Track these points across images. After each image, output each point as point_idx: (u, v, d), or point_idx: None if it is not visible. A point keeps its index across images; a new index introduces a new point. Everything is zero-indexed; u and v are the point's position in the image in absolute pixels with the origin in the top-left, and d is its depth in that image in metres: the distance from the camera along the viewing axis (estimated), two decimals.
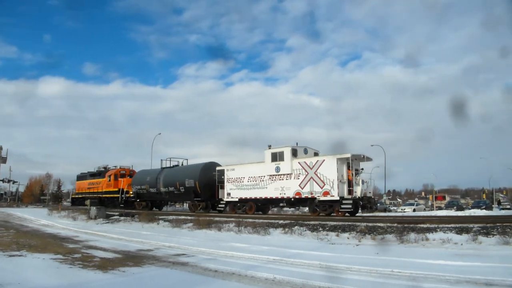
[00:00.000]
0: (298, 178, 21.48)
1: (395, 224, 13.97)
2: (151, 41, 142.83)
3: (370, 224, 14.40)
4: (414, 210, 43.36)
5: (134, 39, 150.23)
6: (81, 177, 44.23)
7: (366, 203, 20.25)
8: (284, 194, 22.08)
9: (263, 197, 23.24)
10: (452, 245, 11.09)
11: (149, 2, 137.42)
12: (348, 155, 19.99)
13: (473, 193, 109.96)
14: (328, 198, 20.20)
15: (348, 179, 20.14)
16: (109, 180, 36.96)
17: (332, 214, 20.38)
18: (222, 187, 25.85)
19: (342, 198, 19.87)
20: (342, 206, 19.77)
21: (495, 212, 35.74)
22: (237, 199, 24.76)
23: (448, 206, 49.50)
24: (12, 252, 10.88)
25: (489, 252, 9.85)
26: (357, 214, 20.49)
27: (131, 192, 34.09)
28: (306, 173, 21.12)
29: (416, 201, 65.08)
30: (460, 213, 31.12)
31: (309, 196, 20.96)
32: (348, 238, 13.29)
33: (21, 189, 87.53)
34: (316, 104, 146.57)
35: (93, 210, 26.19)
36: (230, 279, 7.51)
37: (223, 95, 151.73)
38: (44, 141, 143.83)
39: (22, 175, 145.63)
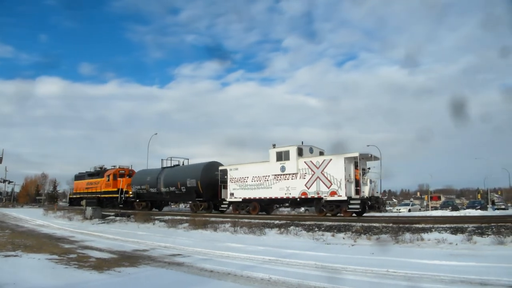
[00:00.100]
0: (304, 178, 21.13)
1: (391, 224, 14.02)
2: (147, 41, 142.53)
3: (365, 224, 14.44)
4: (409, 210, 43.48)
5: (131, 39, 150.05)
6: (79, 177, 43.59)
7: (374, 203, 20.00)
8: (290, 194, 21.73)
9: (268, 197, 22.89)
10: (447, 245, 11.14)
11: (146, 2, 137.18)
12: (356, 154, 19.75)
13: (468, 194, 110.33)
14: (335, 198, 19.85)
15: (356, 179, 19.84)
16: (108, 180, 36.46)
17: (339, 214, 20.06)
18: (225, 187, 25.49)
19: (349, 198, 19.53)
20: (350, 206, 19.42)
21: (490, 212, 35.90)
22: (240, 199, 24.40)
23: (443, 206, 49.61)
24: (8, 252, 10.83)
25: (484, 252, 9.90)
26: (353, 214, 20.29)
27: (130, 192, 33.67)
28: (313, 173, 20.79)
29: (411, 201, 65.27)
30: (455, 213, 31.26)
31: (316, 196, 20.60)
32: (343, 238, 13.33)
33: (17, 189, 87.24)
34: (312, 104, 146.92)
35: (89, 210, 26.15)
36: (225, 279, 7.52)
37: (219, 95, 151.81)
38: (40, 141, 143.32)
39: (18, 175, 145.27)
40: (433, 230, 12.46)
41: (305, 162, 21.28)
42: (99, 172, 39.27)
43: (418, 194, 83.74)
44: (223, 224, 17.37)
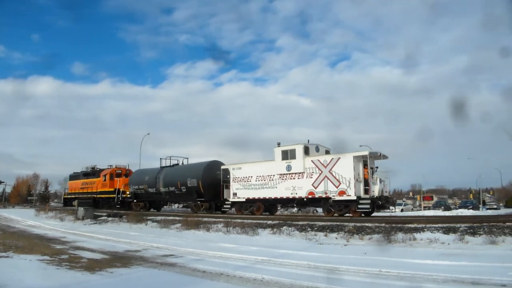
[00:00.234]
0: (311, 177, 20.61)
1: (383, 224, 14.06)
2: (140, 41, 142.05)
3: (358, 224, 14.47)
4: (402, 210, 43.75)
5: (124, 38, 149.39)
6: (74, 176, 42.64)
7: (384, 202, 19.81)
8: (296, 194, 21.18)
9: (273, 197, 22.36)
10: (439, 244, 11.19)
11: (140, 2, 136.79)
12: (366, 153, 19.63)
13: (460, 194, 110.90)
14: (344, 198, 19.38)
15: (364, 178, 19.45)
16: (104, 180, 35.70)
17: (347, 214, 19.69)
18: (227, 187, 24.85)
19: (358, 197, 19.09)
20: (360, 206, 19.00)
21: (482, 212, 36.18)
22: (244, 199, 23.77)
23: (436, 206, 49.98)
24: None
25: (476, 252, 9.96)
26: (346, 214, 19.92)
27: (128, 192, 32.99)
28: (320, 172, 20.28)
29: (404, 201, 65.53)
30: (447, 213, 31.48)
31: (323, 195, 20.09)
32: (336, 238, 13.35)
33: (8, 189, 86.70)
34: (305, 104, 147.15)
35: (81, 210, 25.98)
36: (218, 279, 7.50)
37: (212, 95, 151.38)
38: (31, 141, 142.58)
39: (9, 175, 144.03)
40: (426, 230, 12.51)
41: (312, 161, 20.80)
42: (95, 172, 38.43)
43: (411, 194, 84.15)
44: (215, 225, 17.33)
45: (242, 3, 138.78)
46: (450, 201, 78.24)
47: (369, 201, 18.94)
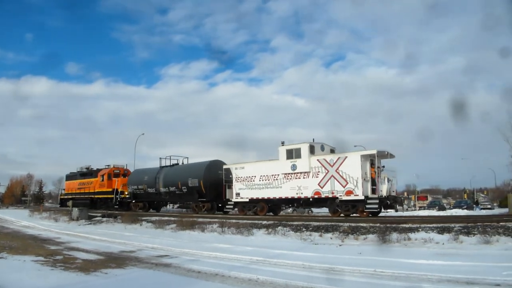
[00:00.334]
0: (317, 177, 20.01)
1: (378, 224, 14.08)
2: (134, 41, 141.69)
3: (353, 224, 14.50)
4: (396, 210, 43.76)
5: (118, 38, 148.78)
6: (70, 176, 41.81)
7: (393, 202, 19.57)
8: (302, 193, 20.54)
9: (278, 197, 21.71)
10: (434, 244, 11.23)
11: (135, 2, 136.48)
12: (374, 152, 19.05)
13: (454, 193, 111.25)
14: (351, 197, 18.84)
15: (371, 177, 19.04)
16: (102, 180, 34.98)
17: (354, 214, 19.27)
18: (230, 187, 24.08)
19: (366, 197, 18.62)
20: (367, 206, 18.58)
21: (476, 212, 36.32)
22: (247, 200, 23.05)
23: (430, 206, 50.12)
24: None
25: (470, 251, 10.00)
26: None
27: (126, 193, 32.33)
28: (326, 171, 19.71)
29: None
30: (442, 213, 31.54)
31: (330, 195, 19.53)
32: (331, 238, 13.37)
33: (2, 190, 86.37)
34: (300, 104, 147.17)
35: (75, 211, 25.90)
36: (213, 280, 7.50)
37: (207, 95, 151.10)
38: (25, 141, 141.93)
39: (3, 175, 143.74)
40: (420, 230, 12.54)
41: (318, 160, 20.23)
42: (92, 172, 37.72)
43: (405, 194, 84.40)
44: (210, 225, 17.32)
45: (237, 3, 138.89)
46: (444, 201, 78.45)
47: (377, 201, 18.57)
